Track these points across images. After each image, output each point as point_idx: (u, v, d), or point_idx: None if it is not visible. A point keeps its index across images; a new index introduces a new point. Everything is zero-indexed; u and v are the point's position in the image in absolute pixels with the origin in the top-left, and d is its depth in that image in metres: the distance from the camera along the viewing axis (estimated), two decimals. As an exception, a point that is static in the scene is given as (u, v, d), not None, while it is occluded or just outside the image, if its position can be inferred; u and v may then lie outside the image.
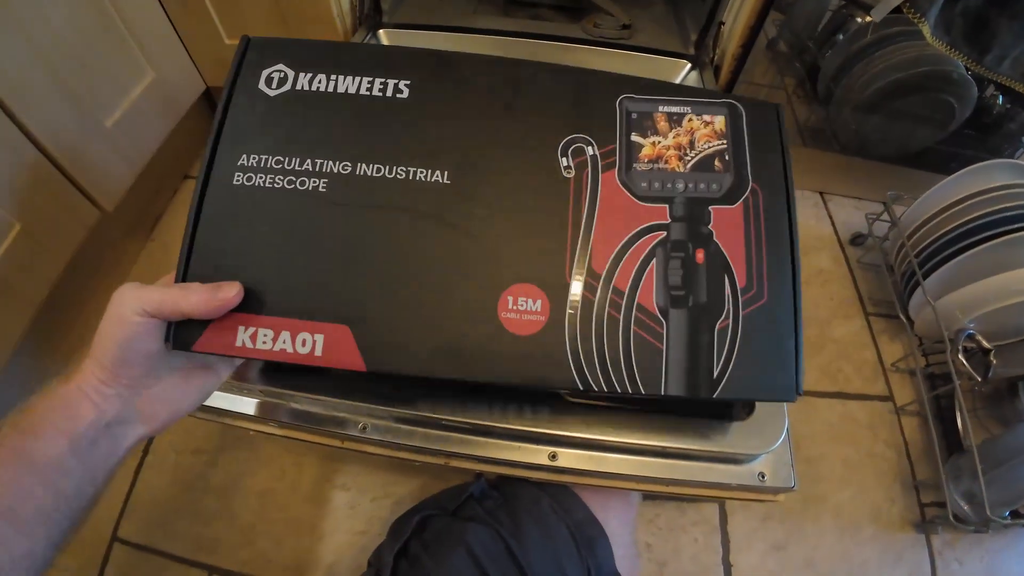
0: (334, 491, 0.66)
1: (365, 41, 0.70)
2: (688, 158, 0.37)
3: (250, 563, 0.62)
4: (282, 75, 0.36)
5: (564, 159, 0.36)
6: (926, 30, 0.64)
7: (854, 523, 0.68)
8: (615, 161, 0.36)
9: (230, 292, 0.31)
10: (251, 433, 0.48)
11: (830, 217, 0.93)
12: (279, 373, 0.44)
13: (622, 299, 0.34)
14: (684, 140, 0.37)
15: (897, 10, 0.63)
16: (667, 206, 0.36)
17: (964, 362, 0.71)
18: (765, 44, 0.82)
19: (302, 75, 0.36)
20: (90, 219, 0.70)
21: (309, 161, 0.35)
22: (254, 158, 0.35)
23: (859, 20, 0.86)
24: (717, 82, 0.71)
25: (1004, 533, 0.70)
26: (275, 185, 0.34)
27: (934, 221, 0.75)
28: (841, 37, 0.87)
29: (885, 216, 0.81)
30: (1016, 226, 0.70)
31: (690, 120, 0.38)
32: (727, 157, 0.37)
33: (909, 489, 0.71)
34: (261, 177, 0.34)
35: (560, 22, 0.77)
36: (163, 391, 0.31)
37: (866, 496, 0.70)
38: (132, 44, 0.72)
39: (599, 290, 0.34)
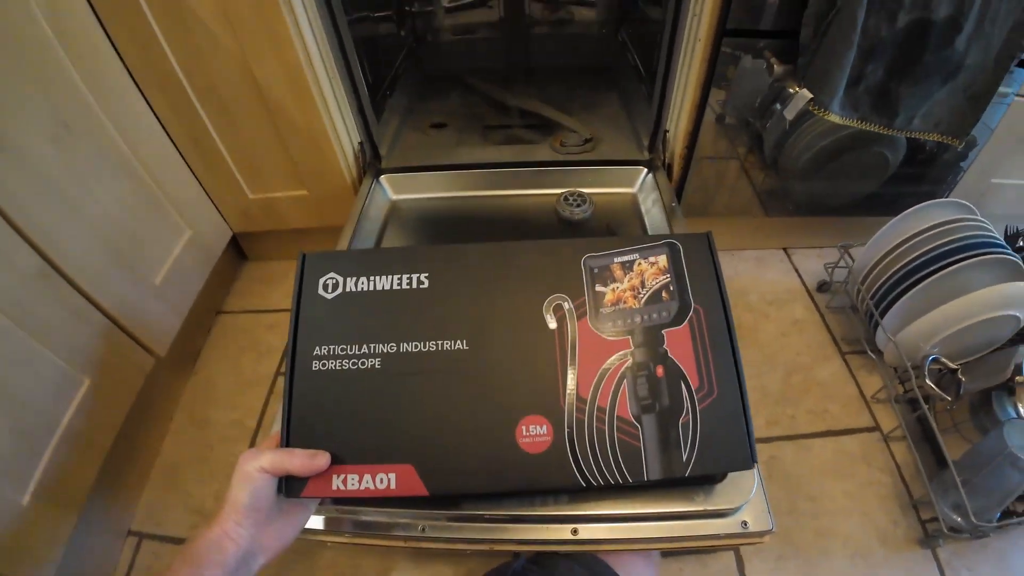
0: None
1: (371, 187, 0.88)
2: (641, 295, 0.53)
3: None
4: (335, 281, 0.53)
5: (548, 315, 0.52)
6: (834, 118, 0.81)
7: (864, 549, 0.78)
8: (586, 310, 0.52)
9: (322, 461, 0.46)
10: (328, 545, 0.62)
11: (796, 270, 1.09)
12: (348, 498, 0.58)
13: (605, 414, 0.49)
14: (636, 282, 0.53)
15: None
16: (630, 337, 0.51)
17: (932, 386, 0.84)
18: (715, 119, 0.99)
19: (350, 279, 0.53)
20: (146, 366, 0.84)
21: (366, 346, 0.51)
22: (325, 348, 0.51)
23: (791, 91, 1.03)
24: (671, 179, 0.88)
25: (1007, 533, 0.79)
26: (343, 367, 0.50)
27: (883, 263, 0.91)
28: (779, 107, 1.04)
29: (842, 263, 0.97)
30: (956, 258, 0.85)
31: (639, 264, 0.54)
32: (672, 287, 0.53)
33: (908, 509, 0.83)
34: (332, 362, 0.50)
35: (532, 138, 0.96)
36: (275, 528, 0.45)
37: (870, 522, 0.81)
38: (171, 209, 0.89)
39: (587, 411, 0.49)
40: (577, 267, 0.53)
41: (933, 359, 0.86)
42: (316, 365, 0.50)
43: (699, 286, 0.53)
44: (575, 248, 0.54)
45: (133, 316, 0.80)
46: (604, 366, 0.50)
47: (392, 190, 0.92)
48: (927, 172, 1.05)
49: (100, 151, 0.77)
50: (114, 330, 0.78)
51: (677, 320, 0.52)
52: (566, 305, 0.52)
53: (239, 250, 1.17)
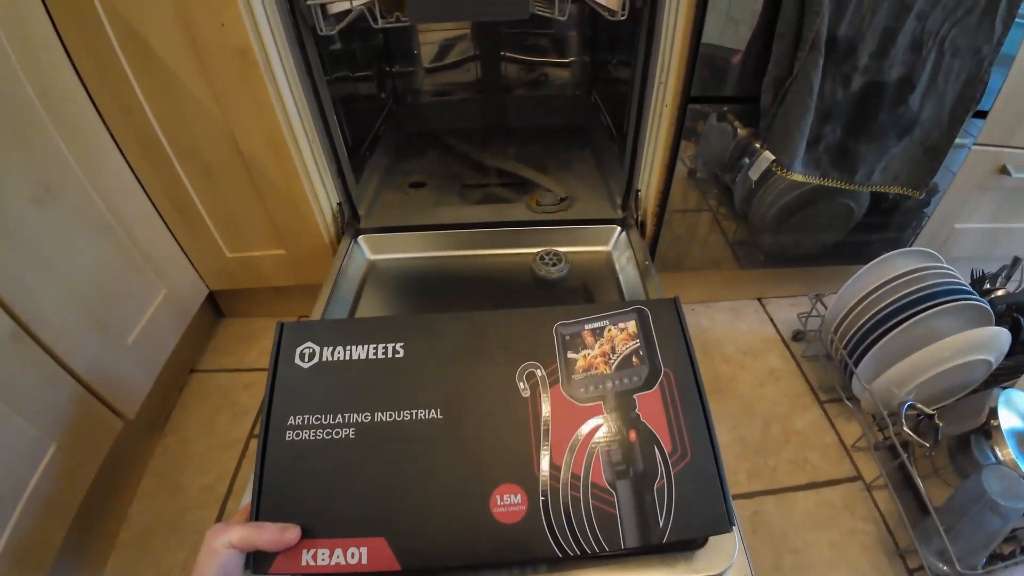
0: None
1: (349, 247, 0.90)
2: (612, 360, 0.55)
3: None
4: (312, 351, 0.54)
5: (521, 383, 0.53)
6: (797, 177, 0.86)
7: None
8: (558, 377, 0.53)
9: (293, 535, 0.46)
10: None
11: (771, 319, 1.13)
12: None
13: (579, 482, 0.50)
14: (607, 348, 0.55)
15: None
16: (602, 403, 0.53)
17: (911, 433, 0.86)
18: (686, 173, 1.03)
19: (326, 349, 0.54)
20: (115, 428, 0.83)
21: (340, 416, 0.51)
22: (299, 418, 0.51)
23: (756, 146, 1.08)
24: (644, 236, 0.92)
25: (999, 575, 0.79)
26: (317, 437, 0.51)
27: (854, 312, 0.94)
28: (746, 160, 1.09)
29: (815, 312, 1.00)
30: (925, 305, 0.89)
31: (609, 330, 0.56)
32: (641, 352, 0.55)
33: (895, 558, 0.83)
34: (306, 432, 0.51)
35: (509, 196, 1.00)
36: None
37: (857, 573, 0.81)
38: (147, 268, 0.90)
39: (561, 477, 0.50)
40: (549, 335, 0.55)
41: (909, 405, 0.89)
42: (290, 435, 0.51)
43: (668, 350, 0.55)
44: (547, 316, 0.56)
45: (104, 378, 0.79)
46: (577, 433, 0.52)
47: (370, 250, 0.94)
48: (892, 219, 1.10)
49: (80, 212, 0.78)
50: (84, 393, 0.77)
51: (648, 384, 0.54)
52: (538, 372, 0.54)
53: (216, 307, 1.18)
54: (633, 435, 0.52)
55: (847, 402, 0.96)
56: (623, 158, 0.95)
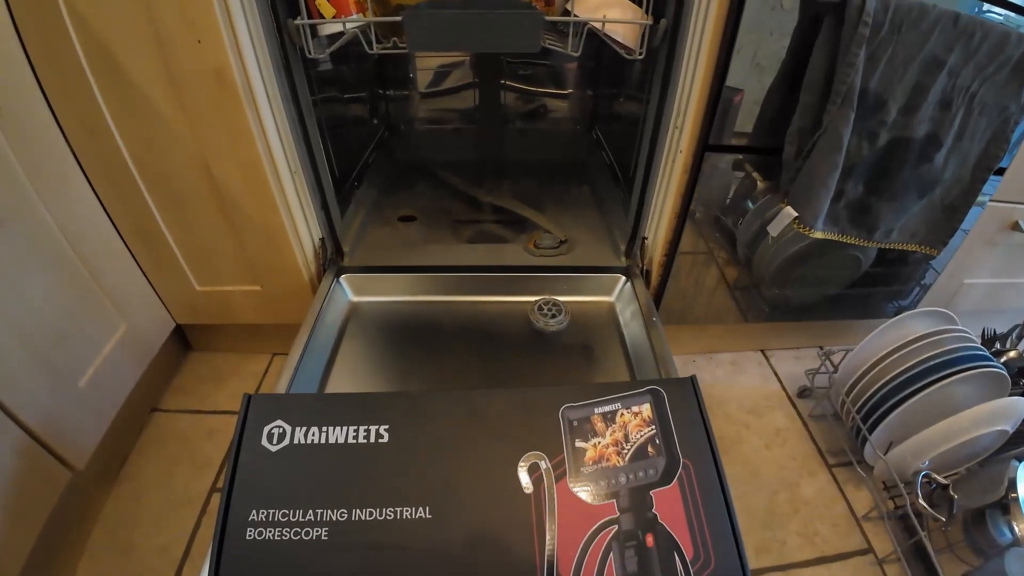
0: None
1: (330, 288, 0.83)
2: (625, 451, 0.48)
3: None
4: (281, 431, 0.47)
5: (524, 477, 0.46)
6: (817, 234, 0.81)
7: None
8: (565, 470, 0.47)
9: None
10: None
11: (775, 373, 1.08)
12: None
13: (589, 598, 0.44)
14: (620, 435, 0.49)
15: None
16: (615, 500, 0.46)
17: (926, 506, 0.81)
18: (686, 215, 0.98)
19: (299, 429, 0.47)
20: (62, 481, 0.75)
21: (311, 512, 0.44)
22: (263, 513, 0.44)
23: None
24: (649, 286, 0.86)
25: None
26: (283, 537, 0.44)
27: (868, 376, 0.89)
28: (751, 204, 1.04)
29: (823, 368, 0.96)
30: (943, 373, 0.84)
31: (622, 415, 0.50)
32: (658, 441, 0.49)
33: (907, 643, 0.78)
34: (270, 531, 0.44)
35: (504, 237, 0.94)
36: None
37: (869, 660, 0.77)
38: (107, 303, 0.82)
39: (568, 592, 0.43)
40: (554, 419, 0.49)
41: (925, 475, 0.84)
42: (251, 532, 0.44)
43: (686, 436, 0.49)
44: (552, 397, 0.50)
45: (51, 426, 0.72)
46: (587, 537, 0.45)
47: (353, 291, 0.87)
48: (898, 271, 1.07)
49: (34, 244, 0.71)
50: (29, 442, 0.69)
51: (665, 479, 0.48)
52: (543, 464, 0.47)
53: (183, 339, 1.09)
54: (651, 539, 0.46)
55: (857, 467, 0.91)
56: (628, 202, 0.90)
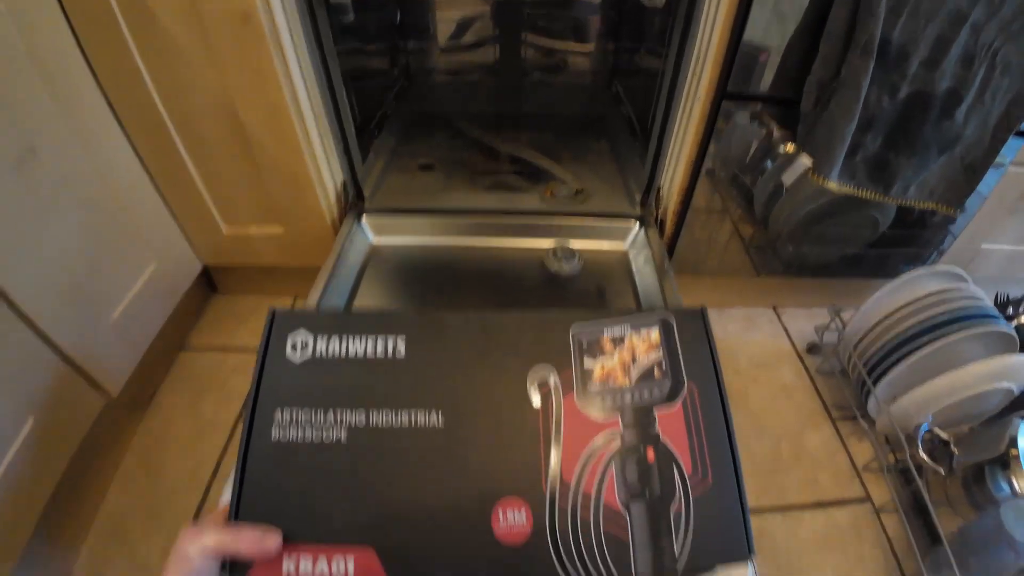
0: None
1: (351, 229, 0.85)
2: (632, 371, 0.50)
3: None
4: (304, 341, 0.49)
5: (532, 390, 0.48)
6: (832, 186, 0.80)
7: None
8: (573, 386, 0.49)
9: (273, 543, 0.41)
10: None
11: (785, 330, 1.08)
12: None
13: (590, 502, 0.45)
14: (627, 356, 0.50)
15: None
16: (619, 416, 0.48)
17: (926, 458, 0.82)
18: (705, 172, 0.98)
19: (320, 342, 0.49)
20: (96, 405, 0.79)
21: (332, 415, 0.47)
22: (287, 415, 0.47)
23: (786, 151, 1.03)
24: (663, 236, 0.87)
25: None
26: (305, 437, 0.46)
27: (876, 330, 0.89)
28: (770, 164, 1.04)
29: (832, 326, 0.96)
30: (949, 328, 0.84)
31: (631, 338, 0.51)
32: (664, 364, 0.50)
33: (901, 588, 0.80)
34: (294, 431, 0.46)
35: (521, 185, 0.94)
36: None
37: (862, 601, 0.78)
38: (137, 241, 0.85)
39: (571, 496, 0.45)
40: (565, 338, 0.50)
41: (926, 429, 0.85)
42: (276, 433, 0.46)
43: (693, 363, 0.50)
44: (563, 319, 0.51)
45: (86, 353, 0.75)
46: (591, 447, 0.47)
47: (374, 233, 0.88)
48: (917, 235, 1.06)
49: (66, 179, 0.73)
50: (64, 367, 0.73)
51: (669, 399, 0.49)
52: (552, 380, 0.49)
53: (210, 282, 1.13)
54: (651, 454, 0.47)
55: (861, 421, 0.92)
56: (645, 153, 0.90)
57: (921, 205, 0.90)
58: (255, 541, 0.41)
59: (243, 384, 0.97)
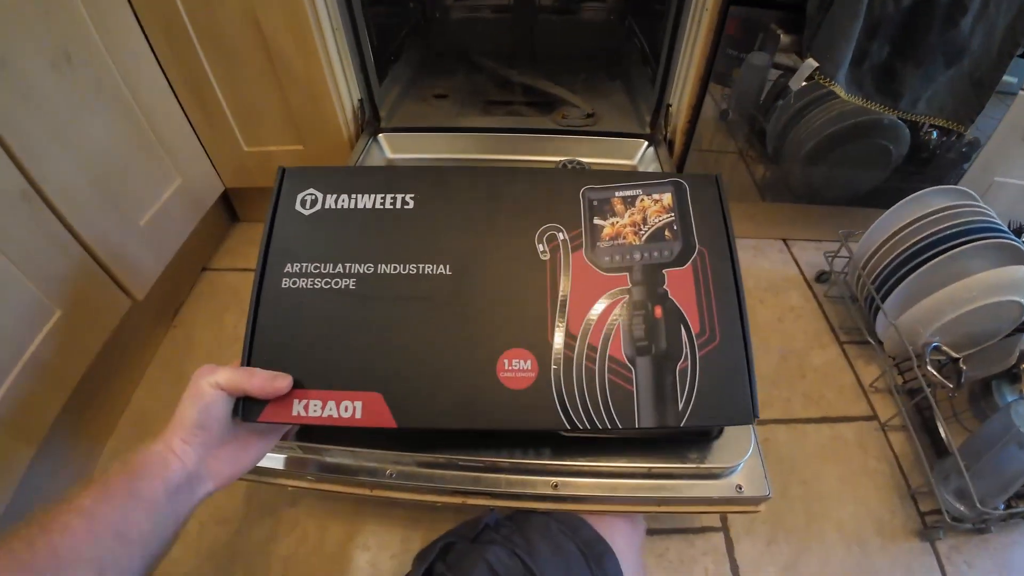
0: (356, 551, 0.70)
1: (367, 144, 0.83)
2: (642, 232, 0.47)
3: (279, 624, 0.65)
4: (313, 197, 0.47)
5: (541, 245, 0.46)
6: (839, 91, 0.76)
7: (859, 537, 0.72)
8: (582, 243, 0.46)
9: (283, 384, 0.40)
10: (289, 489, 0.56)
11: (795, 260, 1.04)
12: (313, 433, 0.52)
13: (596, 353, 0.43)
14: (638, 218, 0.48)
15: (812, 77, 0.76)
16: (628, 274, 0.45)
17: (934, 372, 0.78)
18: (718, 115, 0.94)
19: (329, 196, 0.47)
20: (122, 307, 0.78)
21: (340, 265, 0.45)
22: (297, 266, 0.45)
23: (790, 87, 0.98)
24: (671, 155, 0.83)
25: (1009, 529, 0.73)
26: (315, 286, 0.44)
27: (883, 248, 0.85)
28: (781, 103, 0.99)
29: (842, 252, 0.92)
30: (956, 242, 0.80)
31: (642, 200, 0.48)
32: (675, 227, 0.47)
33: (907, 500, 0.76)
34: (303, 280, 0.44)
35: (533, 116, 0.91)
36: (227, 453, 0.39)
37: (866, 510, 0.75)
38: (163, 154, 0.84)
39: (576, 347, 0.43)
40: (575, 198, 0.48)
41: (934, 347, 0.81)
42: (286, 282, 0.45)
43: (705, 228, 0.48)
44: (573, 180, 0.48)
45: (113, 253, 0.74)
46: (598, 302, 0.45)
47: (389, 149, 0.86)
48: (929, 169, 1.01)
49: (98, 84, 0.72)
50: (92, 265, 0.72)
51: (679, 260, 0.46)
52: (560, 235, 0.46)
53: (231, 210, 1.11)
54: (659, 311, 0.45)
55: (869, 342, 0.88)
56: (655, 78, 0.86)
57: (931, 121, 0.85)
58: (266, 380, 0.40)
59: (264, 299, 0.96)
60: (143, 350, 0.90)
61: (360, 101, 0.87)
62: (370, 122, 0.88)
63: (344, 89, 0.84)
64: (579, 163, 0.82)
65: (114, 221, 0.75)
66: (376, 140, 0.85)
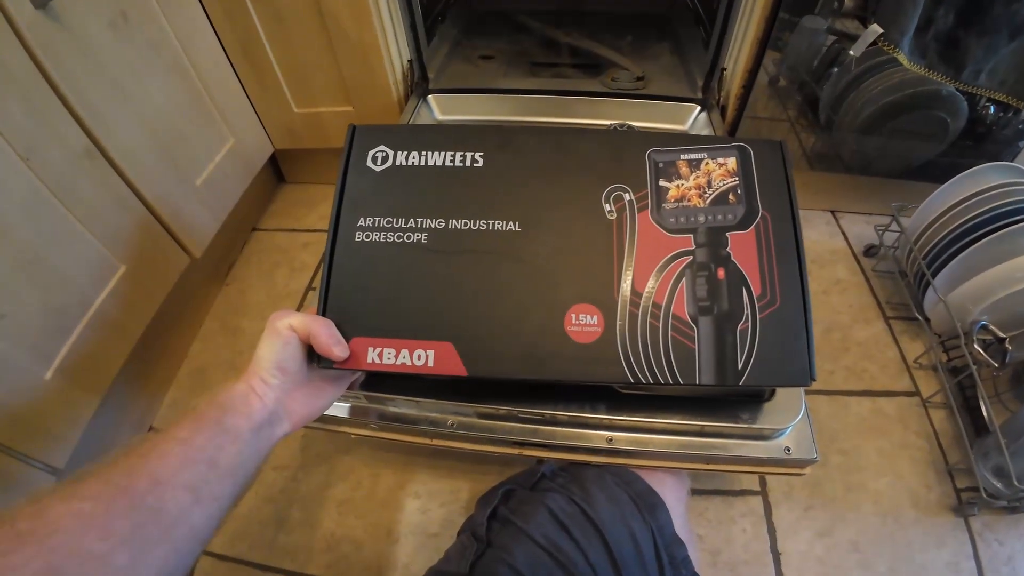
0: (407, 499, 0.74)
1: (417, 106, 0.84)
2: (707, 195, 0.48)
3: (333, 566, 0.69)
4: (384, 154, 0.49)
5: (607, 205, 0.47)
6: (903, 58, 0.74)
7: (895, 509, 0.73)
8: (648, 204, 0.47)
9: (340, 353, 0.41)
10: (352, 437, 0.59)
11: (843, 232, 1.02)
12: (378, 383, 0.54)
13: (660, 311, 0.44)
14: (703, 180, 0.48)
15: (875, 43, 0.74)
16: (692, 236, 0.46)
17: (980, 351, 0.78)
18: (767, 81, 0.92)
19: (400, 153, 0.48)
20: (181, 264, 0.81)
21: (412, 220, 0.46)
22: (369, 220, 0.47)
23: (851, 53, 0.96)
24: (724, 121, 0.82)
25: None
26: (387, 240, 0.46)
27: (937, 224, 0.84)
28: (836, 70, 0.97)
29: (893, 226, 0.90)
30: (1010, 220, 0.78)
31: (707, 164, 0.49)
32: (739, 191, 0.48)
33: (943, 476, 0.77)
34: (376, 234, 0.46)
35: (580, 78, 0.90)
36: (303, 396, 0.41)
37: (903, 483, 0.75)
38: (216, 115, 0.86)
39: (641, 305, 0.44)
40: (641, 160, 0.48)
41: (982, 325, 0.80)
42: (359, 236, 0.46)
43: (768, 194, 0.48)
44: (640, 141, 0.49)
45: (173, 212, 0.77)
46: (663, 262, 0.46)
47: (439, 111, 0.87)
48: (984, 145, 0.98)
49: (154, 46, 0.73)
50: (153, 222, 0.75)
51: (743, 224, 0.47)
52: (626, 196, 0.47)
53: (278, 172, 1.14)
54: (721, 272, 0.45)
55: (916, 318, 0.87)
56: (708, 41, 0.84)
57: (990, 95, 0.82)
58: (328, 339, 0.41)
59: (313, 259, 0.99)
60: (199, 306, 0.94)
61: (409, 62, 0.87)
62: (419, 83, 0.88)
63: (395, 49, 0.85)
64: (629, 127, 0.81)
65: (173, 180, 0.78)
66: (425, 101, 0.86)
